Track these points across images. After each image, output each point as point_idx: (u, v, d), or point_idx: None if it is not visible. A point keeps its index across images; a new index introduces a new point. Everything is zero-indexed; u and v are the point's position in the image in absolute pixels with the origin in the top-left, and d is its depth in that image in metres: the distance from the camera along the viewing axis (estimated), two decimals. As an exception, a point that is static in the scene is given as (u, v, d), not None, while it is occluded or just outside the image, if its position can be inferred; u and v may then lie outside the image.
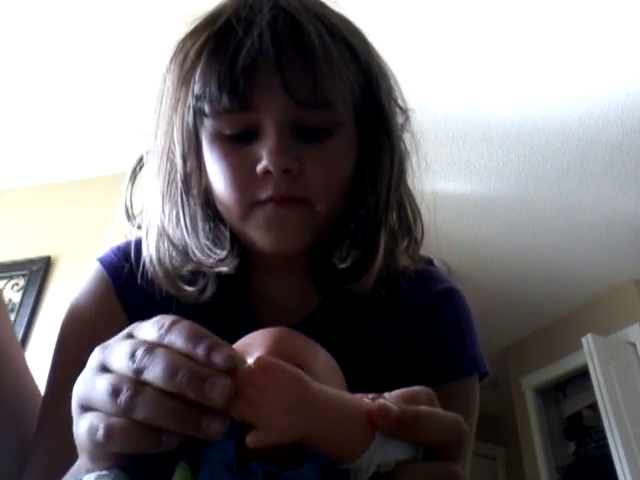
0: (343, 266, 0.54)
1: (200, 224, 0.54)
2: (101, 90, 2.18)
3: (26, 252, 2.41)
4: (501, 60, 2.07)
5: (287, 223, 0.51)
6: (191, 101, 0.51)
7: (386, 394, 0.35)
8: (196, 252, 0.53)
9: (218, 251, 0.53)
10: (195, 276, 0.56)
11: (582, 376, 3.17)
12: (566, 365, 3.37)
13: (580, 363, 3.11)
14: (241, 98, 0.48)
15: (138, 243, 0.59)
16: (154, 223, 0.56)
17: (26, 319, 2.23)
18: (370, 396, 0.35)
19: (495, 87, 2.17)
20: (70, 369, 0.43)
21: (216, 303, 0.57)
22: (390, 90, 0.59)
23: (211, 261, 0.53)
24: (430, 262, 0.66)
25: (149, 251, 0.56)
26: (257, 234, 0.52)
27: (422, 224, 0.60)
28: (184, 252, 0.54)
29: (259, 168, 0.49)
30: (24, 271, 2.36)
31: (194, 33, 0.54)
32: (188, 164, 0.53)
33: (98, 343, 0.38)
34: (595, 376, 2.85)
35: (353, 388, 0.39)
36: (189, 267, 0.54)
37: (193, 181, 0.54)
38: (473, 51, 2.04)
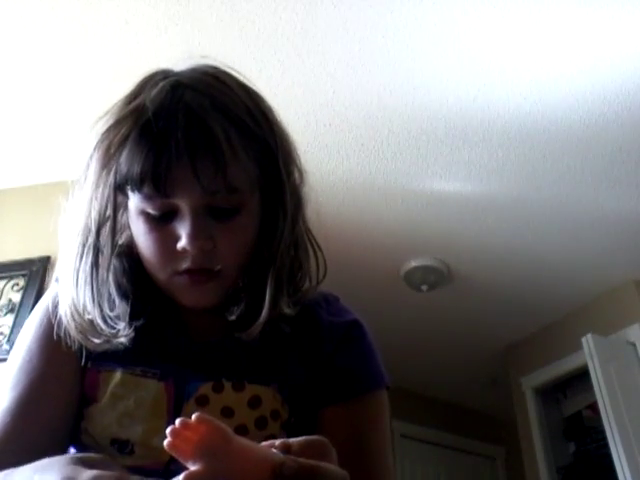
0: (232, 318, 0.65)
1: (105, 295, 0.64)
2: (101, 90, 2.18)
3: (26, 252, 2.41)
4: (501, 60, 2.08)
5: (203, 290, 0.64)
6: (113, 181, 0.61)
7: (293, 441, 0.42)
8: (99, 322, 0.62)
9: (118, 323, 0.63)
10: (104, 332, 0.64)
11: (582, 376, 3.17)
12: (566, 365, 3.37)
13: (580, 363, 3.11)
14: (161, 189, 0.58)
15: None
16: (65, 289, 0.65)
17: (26, 319, 2.22)
18: (277, 443, 0.42)
19: (495, 87, 2.17)
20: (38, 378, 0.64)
21: (150, 321, 0.66)
22: (287, 156, 0.68)
23: (111, 331, 0.62)
24: (326, 297, 0.77)
25: (63, 309, 0.65)
26: (178, 295, 0.65)
27: (325, 267, 0.71)
28: (87, 318, 0.63)
29: (179, 246, 0.60)
30: (24, 271, 2.36)
31: (117, 123, 0.62)
32: (102, 239, 0.63)
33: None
34: (595, 376, 2.84)
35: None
36: (91, 331, 0.63)
37: (104, 251, 0.63)
38: (473, 51, 2.04)
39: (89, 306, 0.63)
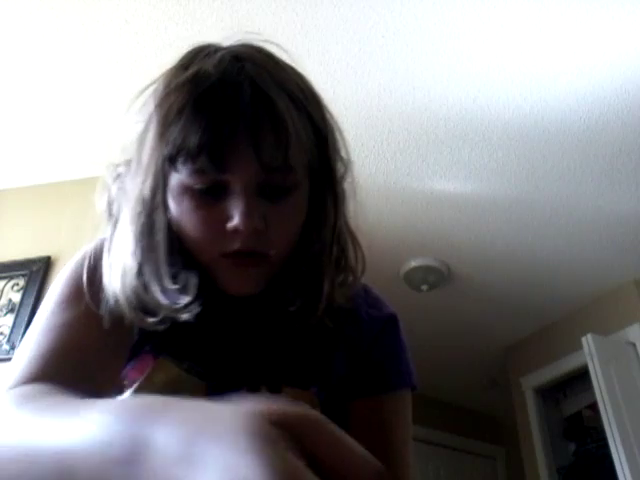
0: (292, 309, 0.62)
1: (165, 269, 0.58)
2: (101, 90, 2.18)
3: (26, 252, 2.41)
4: (501, 60, 2.08)
5: (249, 274, 0.60)
6: (168, 153, 0.55)
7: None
8: (159, 297, 0.57)
9: (183, 297, 0.57)
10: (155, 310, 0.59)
11: (582, 376, 3.17)
12: (566, 365, 3.37)
13: (580, 363, 3.11)
14: (217, 163, 0.55)
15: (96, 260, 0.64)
16: (120, 262, 0.59)
17: (26, 319, 2.23)
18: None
19: (495, 87, 2.17)
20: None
21: (201, 313, 0.60)
22: (335, 146, 0.65)
23: (175, 306, 0.57)
24: (365, 287, 0.75)
25: (114, 285, 0.59)
26: (221, 279, 0.60)
27: (364, 262, 0.69)
28: (147, 294, 0.58)
29: (230, 226, 0.56)
30: (24, 271, 2.36)
31: (178, 89, 0.57)
32: (158, 211, 0.58)
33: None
34: (595, 376, 2.84)
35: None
36: (150, 307, 0.58)
37: (160, 227, 0.58)
38: (473, 51, 2.04)
39: (149, 282, 0.57)
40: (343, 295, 0.65)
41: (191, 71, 0.57)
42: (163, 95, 0.58)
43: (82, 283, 0.62)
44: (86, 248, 0.69)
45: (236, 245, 0.57)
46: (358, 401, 0.67)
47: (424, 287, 3.13)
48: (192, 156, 0.54)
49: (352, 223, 0.69)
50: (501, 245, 2.96)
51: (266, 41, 0.65)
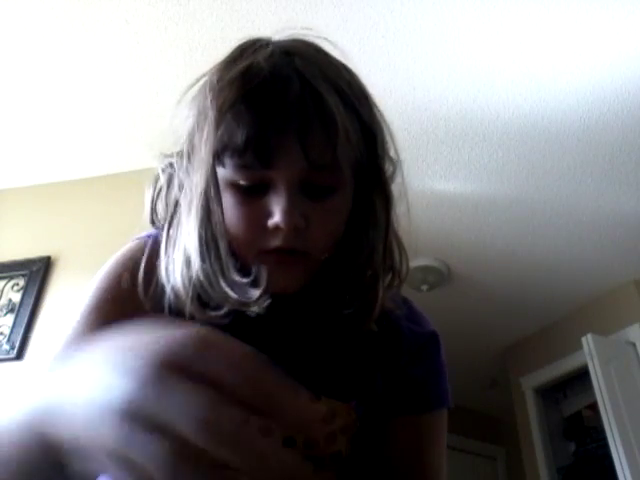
0: (348, 312, 0.60)
1: (230, 261, 0.57)
2: (101, 90, 2.18)
3: (26, 252, 2.41)
4: (501, 60, 2.08)
5: (288, 272, 0.58)
6: (219, 145, 0.55)
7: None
8: (227, 290, 0.56)
9: (254, 290, 0.55)
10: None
11: (582, 376, 3.17)
12: (566, 365, 3.37)
13: (580, 363, 3.11)
14: (262, 159, 0.54)
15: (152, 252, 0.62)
16: (181, 255, 0.58)
17: (26, 319, 2.23)
18: None
19: (495, 87, 2.17)
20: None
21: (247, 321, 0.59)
22: (384, 145, 0.64)
23: (246, 300, 0.55)
24: (406, 300, 0.74)
25: (173, 279, 0.58)
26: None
27: (407, 264, 0.68)
28: (213, 287, 0.56)
29: (270, 223, 0.55)
30: (24, 271, 2.36)
31: (231, 83, 0.56)
32: (215, 204, 0.57)
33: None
34: (595, 376, 2.84)
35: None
36: (214, 302, 0.57)
37: (218, 220, 0.57)
38: (473, 51, 2.04)
39: (214, 273, 0.56)
40: (390, 299, 0.64)
41: (242, 65, 0.57)
42: (216, 89, 0.57)
43: (129, 283, 0.61)
44: (130, 245, 0.67)
45: (277, 242, 0.56)
46: (396, 419, 0.66)
47: (424, 287, 3.14)
48: (239, 151, 0.54)
49: (405, 228, 0.69)
50: (501, 245, 2.96)
51: (318, 37, 0.64)
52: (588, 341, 2.91)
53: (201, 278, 0.57)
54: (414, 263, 3.05)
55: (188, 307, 0.57)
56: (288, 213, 0.54)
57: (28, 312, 2.25)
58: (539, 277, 3.17)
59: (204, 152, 0.56)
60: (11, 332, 2.22)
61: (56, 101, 2.25)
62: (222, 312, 0.57)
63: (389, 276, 0.65)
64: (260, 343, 0.65)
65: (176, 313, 0.58)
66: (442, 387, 0.70)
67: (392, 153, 0.66)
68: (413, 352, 0.68)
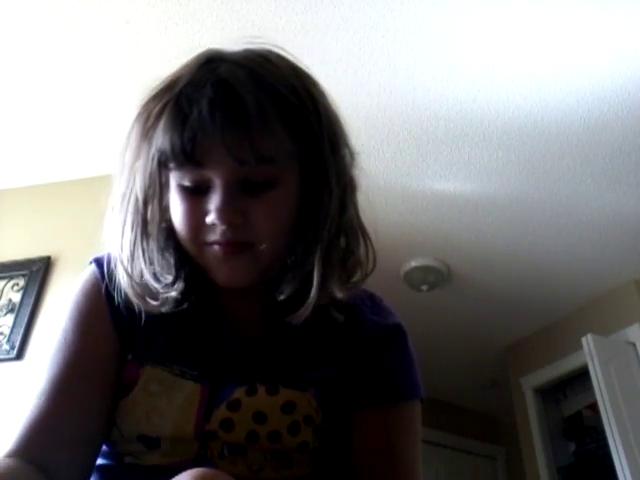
0: (281, 298, 0.64)
1: (155, 255, 0.64)
2: (101, 90, 2.18)
3: (26, 252, 2.41)
4: (501, 60, 2.08)
5: (233, 263, 0.62)
6: (155, 153, 0.61)
7: None
8: (150, 279, 0.63)
9: (166, 276, 0.63)
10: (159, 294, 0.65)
11: (582, 376, 3.17)
12: (566, 365, 3.37)
13: (580, 363, 3.11)
14: (191, 160, 0.58)
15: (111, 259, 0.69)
16: (123, 259, 0.65)
17: (26, 319, 2.23)
18: None
19: (495, 87, 2.17)
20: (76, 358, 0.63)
21: (193, 312, 0.67)
22: (334, 136, 0.66)
23: (160, 285, 0.63)
24: (372, 295, 0.76)
25: (118, 273, 0.65)
26: (211, 269, 0.63)
27: (374, 257, 0.69)
28: (141, 280, 0.64)
29: (208, 220, 0.60)
30: (24, 271, 2.36)
31: (155, 97, 0.62)
32: (149, 207, 0.63)
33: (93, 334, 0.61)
34: (595, 376, 2.84)
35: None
36: (147, 292, 0.64)
37: (152, 220, 0.64)
38: (473, 51, 2.04)
39: (142, 269, 0.63)
40: (347, 291, 0.66)
41: (169, 79, 0.63)
42: (144, 103, 0.63)
43: (88, 300, 0.68)
44: (83, 274, 0.74)
45: (215, 236, 0.61)
46: (363, 411, 0.67)
47: (424, 287, 3.13)
48: (170, 156, 0.59)
49: (366, 214, 0.71)
50: (501, 245, 2.96)
51: (267, 43, 0.68)
52: (588, 341, 2.91)
53: (134, 273, 0.64)
54: (414, 263, 3.05)
55: (134, 300, 0.64)
56: (222, 210, 0.59)
57: (28, 312, 2.25)
58: (539, 277, 3.17)
59: (130, 160, 0.64)
60: (11, 332, 2.22)
61: (56, 101, 2.25)
62: (159, 302, 0.64)
63: (348, 270, 0.67)
64: (220, 339, 0.67)
65: (128, 307, 0.65)
66: (411, 379, 0.71)
67: (346, 145, 0.68)
68: (377, 344, 0.70)
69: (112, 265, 0.66)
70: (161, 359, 0.65)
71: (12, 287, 2.35)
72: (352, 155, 0.69)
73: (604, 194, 2.64)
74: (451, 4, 1.89)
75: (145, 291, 0.64)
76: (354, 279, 0.67)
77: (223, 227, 0.59)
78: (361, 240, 0.69)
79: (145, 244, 0.64)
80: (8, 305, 2.30)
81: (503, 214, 2.77)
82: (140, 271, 0.63)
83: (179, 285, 0.64)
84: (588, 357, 2.89)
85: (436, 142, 2.40)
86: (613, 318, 3.19)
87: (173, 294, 0.63)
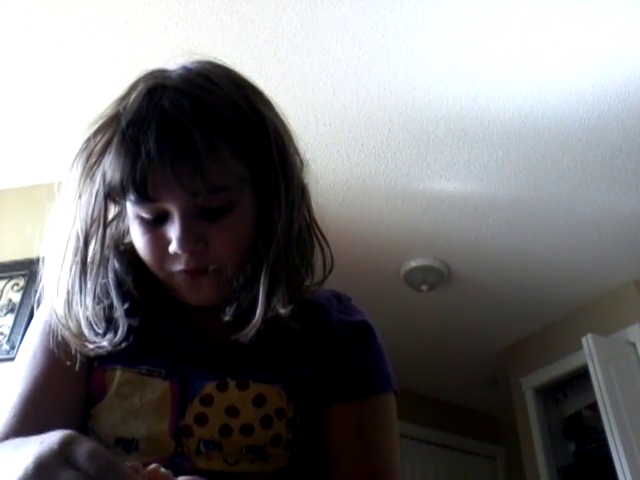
0: (227, 319, 0.65)
1: (89, 299, 0.64)
2: (101, 90, 2.18)
3: (26, 252, 2.40)
4: (501, 60, 2.08)
5: (200, 288, 0.64)
6: (101, 189, 0.61)
7: None
8: (84, 326, 0.63)
9: (99, 326, 0.64)
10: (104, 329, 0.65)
11: (582, 376, 3.17)
12: (566, 365, 3.37)
13: (580, 363, 3.10)
14: (144, 196, 0.59)
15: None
16: (56, 301, 0.65)
17: (26, 319, 2.23)
18: None
19: (495, 87, 2.17)
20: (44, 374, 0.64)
21: (157, 323, 0.68)
22: (282, 148, 0.66)
23: (93, 333, 0.63)
24: (339, 295, 0.77)
25: (57, 319, 0.65)
26: (179, 292, 0.66)
27: (331, 257, 0.70)
28: (77, 325, 0.63)
29: (170, 250, 0.61)
30: (24, 271, 2.36)
31: (97, 133, 0.63)
32: (90, 245, 0.63)
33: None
34: (595, 376, 2.84)
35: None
36: (86, 340, 0.64)
37: (93, 260, 0.64)
38: (473, 51, 2.04)
39: (80, 315, 0.63)
40: (289, 301, 0.66)
41: (111, 113, 0.63)
42: (85, 139, 0.63)
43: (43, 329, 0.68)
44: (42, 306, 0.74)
45: (180, 266, 0.62)
46: (333, 407, 0.68)
47: (424, 287, 3.13)
48: (121, 192, 0.59)
49: (319, 221, 0.71)
50: (501, 245, 2.96)
51: (211, 57, 0.69)
52: (588, 341, 2.91)
53: (69, 316, 0.63)
54: (414, 263, 3.05)
55: (71, 342, 0.64)
56: (182, 240, 0.60)
57: (28, 312, 2.24)
58: (539, 277, 3.17)
59: (72, 196, 0.64)
60: (11, 332, 2.22)
61: (56, 101, 2.25)
62: (93, 347, 0.63)
63: (302, 274, 0.67)
64: (185, 344, 0.68)
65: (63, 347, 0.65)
66: (381, 372, 0.72)
67: (295, 153, 0.69)
68: (344, 340, 0.70)
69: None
70: (127, 362, 0.66)
71: (12, 287, 2.35)
72: (302, 161, 0.70)
73: (604, 194, 2.64)
74: (451, 4, 1.89)
75: (82, 336, 0.64)
76: (304, 286, 0.68)
77: (186, 255, 0.61)
78: (315, 244, 0.70)
79: (83, 286, 0.64)
80: (8, 305, 2.30)
81: (503, 214, 2.77)
82: (76, 317, 0.63)
83: (109, 336, 0.64)
84: (588, 357, 2.89)
85: (436, 142, 2.40)
86: (613, 318, 3.19)
87: (104, 344, 0.63)
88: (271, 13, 1.92)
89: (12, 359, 2.15)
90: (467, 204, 2.71)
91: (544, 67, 2.09)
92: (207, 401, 0.64)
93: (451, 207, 2.73)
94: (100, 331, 0.64)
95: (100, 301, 0.65)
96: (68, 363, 0.65)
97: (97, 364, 0.66)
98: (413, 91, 2.19)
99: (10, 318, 2.26)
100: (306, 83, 2.16)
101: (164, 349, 0.67)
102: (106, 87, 2.16)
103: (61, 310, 0.64)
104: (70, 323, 0.63)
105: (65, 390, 0.65)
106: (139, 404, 0.63)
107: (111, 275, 0.66)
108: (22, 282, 2.34)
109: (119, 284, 0.67)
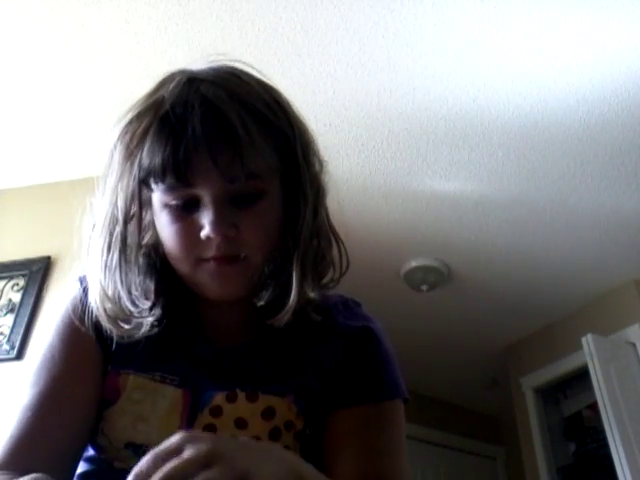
0: (260, 304, 0.66)
1: (134, 279, 0.65)
2: (101, 90, 2.18)
3: (26, 252, 2.40)
4: (501, 60, 2.08)
5: (229, 277, 0.64)
6: (137, 174, 0.62)
7: None
8: (126, 302, 0.64)
9: (144, 301, 0.65)
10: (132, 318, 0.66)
11: (582, 376, 3.17)
12: (566, 365, 3.37)
13: (580, 363, 3.10)
14: (182, 179, 0.60)
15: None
16: (94, 277, 0.66)
17: (26, 319, 2.23)
18: None
19: (495, 87, 2.17)
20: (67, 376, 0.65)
21: (171, 325, 0.68)
22: (306, 146, 0.69)
23: (137, 309, 0.64)
24: (346, 299, 0.77)
25: (93, 296, 0.66)
26: (204, 284, 0.65)
27: (347, 256, 0.71)
28: (117, 302, 0.64)
29: (202, 234, 0.61)
30: (24, 271, 2.36)
31: (139, 117, 0.63)
32: (129, 228, 0.64)
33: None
34: (595, 376, 2.84)
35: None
36: (121, 316, 0.64)
37: (132, 242, 0.65)
38: (473, 51, 2.04)
39: (119, 291, 0.64)
40: (320, 291, 0.68)
41: (152, 99, 0.63)
42: (126, 123, 0.64)
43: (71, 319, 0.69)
44: (71, 290, 0.74)
45: (211, 252, 0.62)
46: (338, 412, 0.67)
47: (424, 287, 3.13)
48: (160, 176, 0.60)
49: (336, 217, 0.72)
50: (501, 245, 2.96)
51: (235, 60, 0.72)
52: (588, 341, 2.91)
53: (106, 298, 0.64)
54: (414, 263, 3.05)
55: (104, 324, 0.65)
56: (216, 224, 0.60)
57: (28, 312, 2.25)
58: (539, 277, 3.17)
59: (114, 182, 0.64)
60: (11, 332, 2.22)
61: (56, 101, 2.25)
62: (131, 326, 0.64)
63: (321, 271, 0.69)
64: (196, 351, 0.68)
65: (99, 330, 0.66)
66: (389, 379, 0.71)
67: (316, 153, 0.71)
68: (346, 347, 0.71)
69: (86, 288, 0.68)
70: (141, 367, 0.66)
71: (12, 287, 2.35)
72: (321, 163, 0.71)
73: (604, 194, 2.64)
74: (451, 4, 1.89)
75: (119, 314, 0.64)
76: (325, 280, 0.70)
77: (218, 240, 0.61)
78: (333, 242, 0.71)
79: (124, 265, 0.64)
80: (8, 305, 2.30)
81: (503, 214, 2.77)
82: (117, 293, 0.64)
83: (156, 311, 0.65)
84: (588, 357, 2.89)
85: (436, 142, 2.40)
86: (613, 318, 3.19)
87: (150, 319, 0.64)
88: (271, 13, 1.92)
89: (12, 359, 2.15)
90: (467, 204, 2.71)
91: (544, 67, 2.09)
92: (217, 413, 0.64)
93: (451, 207, 2.73)
94: (146, 306, 0.64)
95: (144, 280, 0.66)
96: (87, 362, 0.66)
97: (111, 367, 0.67)
98: (413, 91, 2.19)
99: (10, 318, 2.26)
100: (306, 83, 2.16)
101: (177, 355, 0.68)
102: (106, 87, 2.16)
103: (101, 288, 0.64)
104: (109, 302, 0.64)
105: (83, 392, 0.66)
106: (150, 410, 0.64)
107: (137, 268, 0.67)
108: (22, 282, 2.34)
109: (143, 280, 0.67)
